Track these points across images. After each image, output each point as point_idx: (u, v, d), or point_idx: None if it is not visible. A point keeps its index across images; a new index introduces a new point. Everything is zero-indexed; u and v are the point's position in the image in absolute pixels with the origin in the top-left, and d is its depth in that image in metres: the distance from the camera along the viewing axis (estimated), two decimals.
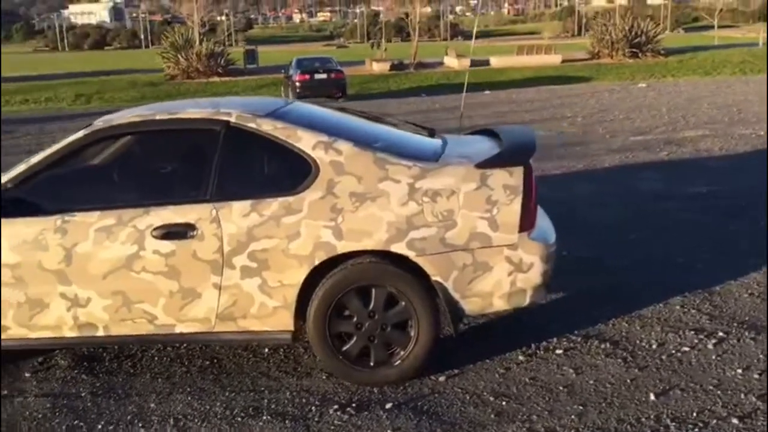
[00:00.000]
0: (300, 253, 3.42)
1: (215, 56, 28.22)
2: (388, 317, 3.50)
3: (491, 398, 3.43)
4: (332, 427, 3.22)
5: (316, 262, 3.43)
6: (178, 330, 3.56)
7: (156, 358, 3.95)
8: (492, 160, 3.60)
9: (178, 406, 3.44)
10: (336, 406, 3.38)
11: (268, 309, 3.49)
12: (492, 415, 3.29)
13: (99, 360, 3.95)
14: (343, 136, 3.66)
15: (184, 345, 4.03)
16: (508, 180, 3.52)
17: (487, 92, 23.10)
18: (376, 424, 3.24)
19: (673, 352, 3.82)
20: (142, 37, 68.16)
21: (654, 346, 3.89)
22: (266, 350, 3.97)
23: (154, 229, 3.42)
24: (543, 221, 3.94)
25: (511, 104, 18.39)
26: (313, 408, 3.39)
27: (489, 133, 4.33)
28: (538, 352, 3.90)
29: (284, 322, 3.52)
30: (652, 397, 3.38)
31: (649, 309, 4.37)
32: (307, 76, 20.68)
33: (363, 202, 3.44)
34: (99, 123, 3.70)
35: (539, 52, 30.92)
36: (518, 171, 3.55)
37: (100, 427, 3.28)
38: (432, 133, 4.46)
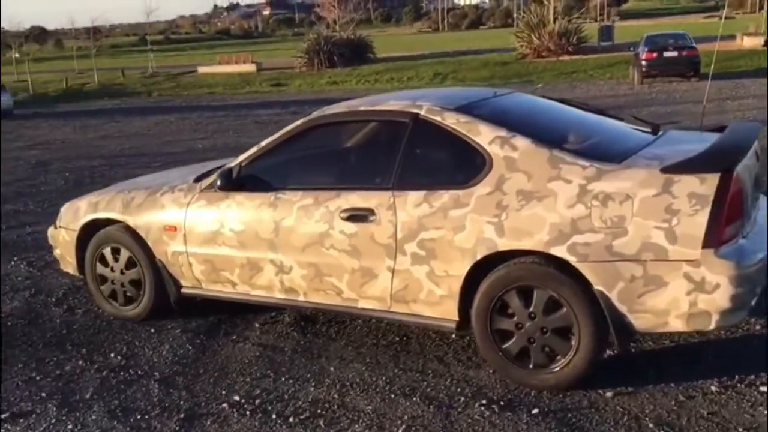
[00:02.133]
0: (464, 246, 3.48)
1: (567, 34, 27.97)
2: (548, 321, 3.39)
3: (650, 425, 3.14)
4: (470, 420, 3.27)
5: (478, 257, 3.46)
6: (360, 305, 3.88)
7: (358, 328, 4.34)
8: (683, 164, 3.24)
9: (350, 374, 3.78)
10: (484, 401, 3.41)
11: (435, 296, 3.62)
12: None
13: (314, 322, 4.48)
14: (529, 131, 3.59)
15: (385, 321, 4.35)
16: (697, 188, 3.14)
17: None
18: (511, 427, 3.20)
19: None
20: (515, 16, 70.10)
21: None
22: (452, 337, 4.11)
23: (342, 211, 3.77)
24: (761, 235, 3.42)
25: None
26: (462, 398, 3.46)
27: (723, 130, 3.86)
28: (738, 385, 3.42)
29: (449, 311, 3.63)
30: None
31: None
32: (655, 54, 19.57)
33: (529, 201, 3.37)
34: (315, 113, 4.15)
35: None
36: (712, 178, 3.14)
37: (283, 379, 3.77)
38: (655, 130, 4.11)
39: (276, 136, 4.16)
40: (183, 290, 4.46)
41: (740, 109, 13.66)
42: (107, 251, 4.63)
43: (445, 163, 3.83)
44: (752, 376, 3.47)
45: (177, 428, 3.36)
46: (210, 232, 4.19)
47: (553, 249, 3.31)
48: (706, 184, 3.14)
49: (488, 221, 3.43)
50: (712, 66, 4.49)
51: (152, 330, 4.50)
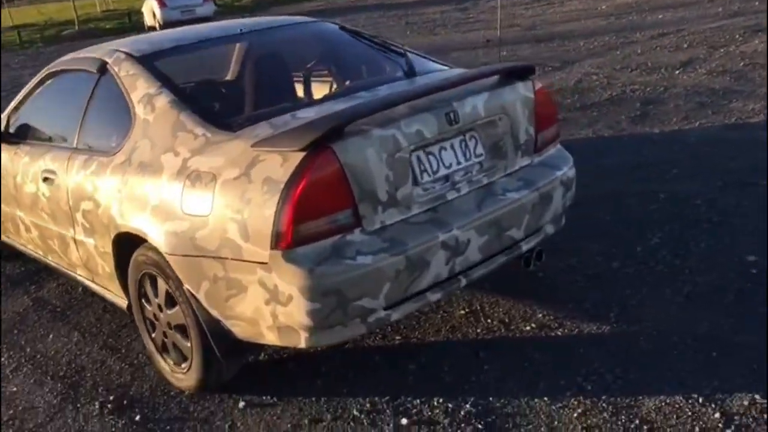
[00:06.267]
0: (104, 222, 3.04)
1: None
2: (170, 316, 2.88)
3: None
4: (70, 424, 2.92)
5: (112, 235, 3.00)
6: (78, 272, 3.58)
7: None
8: (275, 138, 2.49)
9: (58, 344, 3.57)
10: (107, 402, 2.99)
11: (106, 272, 3.23)
12: None
13: None
14: (187, 84, 3.00)
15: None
16: (275, 170, 2.39)
17: None
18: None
19: None
20: None
21: None
22: None
23: (42, 171, 3.48)
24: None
25: None
26: (96, 404, 3.03)
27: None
28: (383, 407, 2.66)
29: (116, 289, 3.23)
30: None
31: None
32: None
33: (144, 175, 2.81)
34: (57, 60, 3.80)
35: None
36: (294, 158, 2.37)
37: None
38: (410, 73, 3.20)
39: (27, 85, 3.90)
40: (3, 238, 4.44)
41: None
42: None
43: (109, 122, 3.26)
44: (399, 400, 2.69)
45: None
46: None
47: (151, 235, 2.75)
48: (285, 166, 2.38)
49: (115, 196, 2.94)
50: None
51: None
